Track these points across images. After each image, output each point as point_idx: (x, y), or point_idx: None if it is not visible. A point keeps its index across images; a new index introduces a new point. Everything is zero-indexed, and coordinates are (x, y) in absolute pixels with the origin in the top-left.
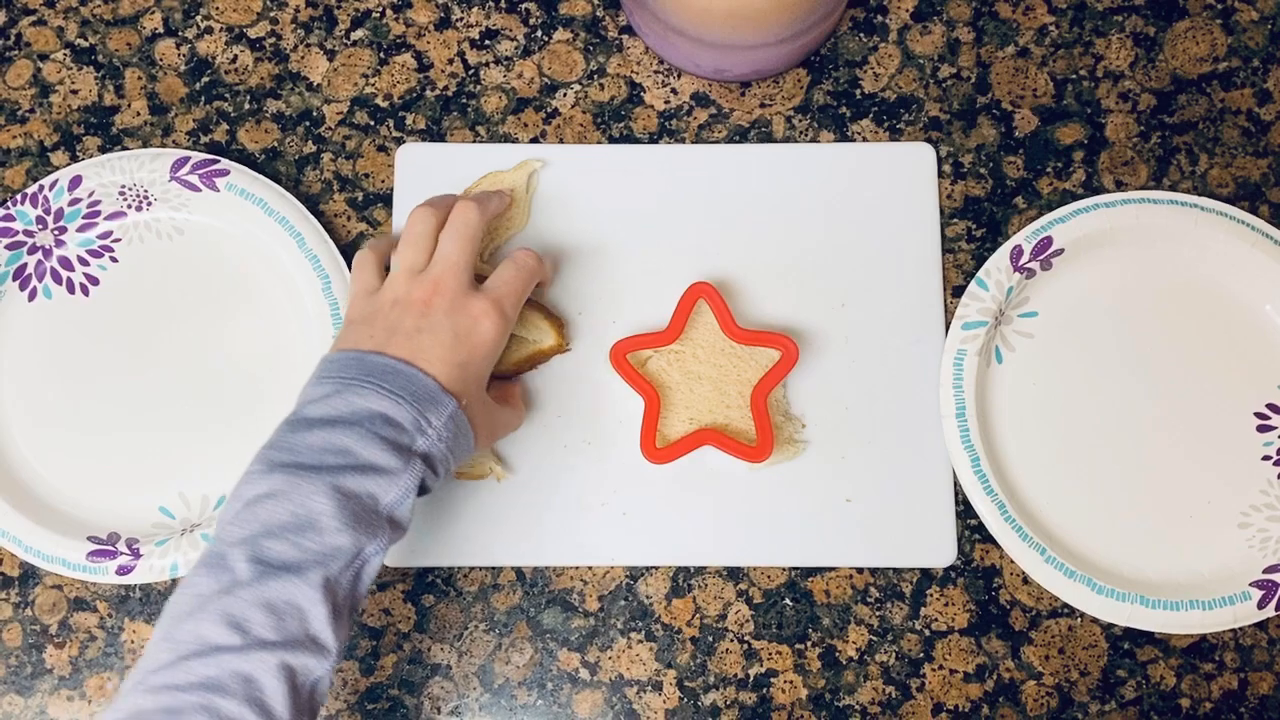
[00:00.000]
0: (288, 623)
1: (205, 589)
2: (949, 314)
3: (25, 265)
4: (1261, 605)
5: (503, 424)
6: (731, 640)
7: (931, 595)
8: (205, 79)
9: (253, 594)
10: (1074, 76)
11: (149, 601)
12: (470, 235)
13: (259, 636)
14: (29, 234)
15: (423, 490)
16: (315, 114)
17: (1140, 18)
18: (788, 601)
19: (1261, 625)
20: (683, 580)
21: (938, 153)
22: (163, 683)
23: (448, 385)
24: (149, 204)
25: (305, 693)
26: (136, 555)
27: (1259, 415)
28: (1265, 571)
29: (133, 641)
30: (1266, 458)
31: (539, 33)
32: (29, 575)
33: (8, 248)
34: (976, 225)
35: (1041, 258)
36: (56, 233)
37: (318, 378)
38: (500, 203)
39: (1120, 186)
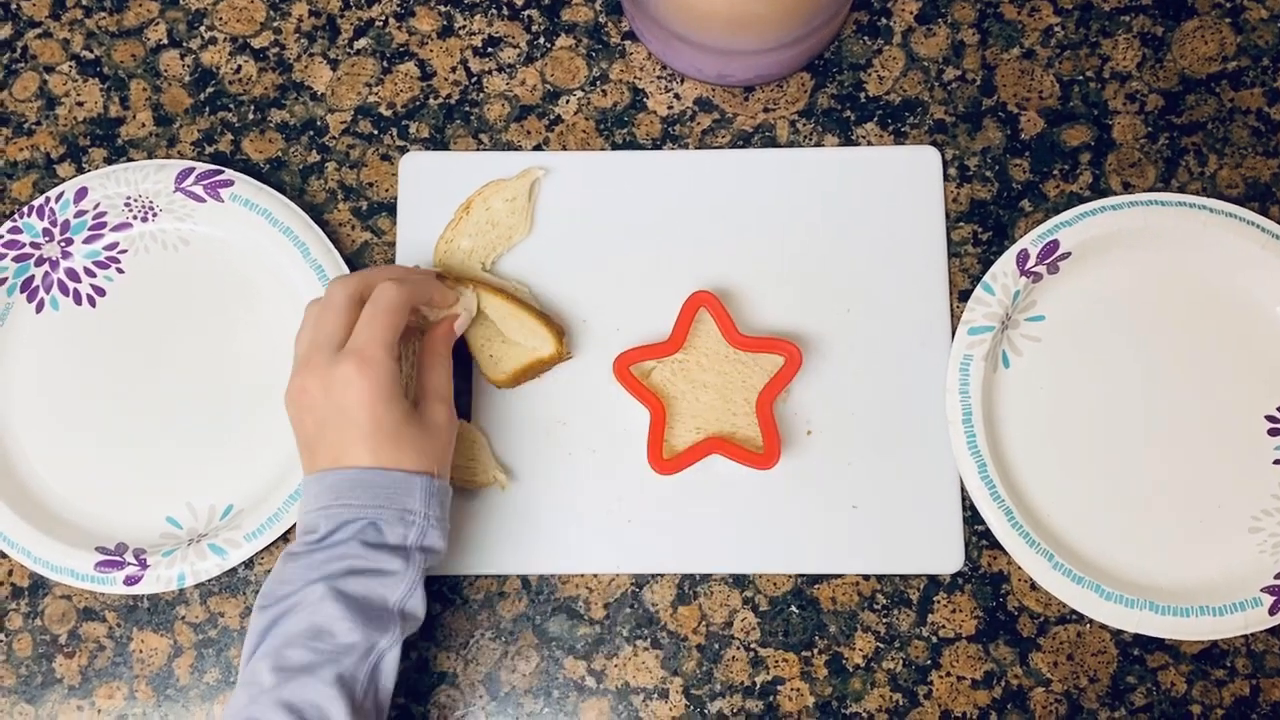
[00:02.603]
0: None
1: (238, 704)
2: (955, 318)
3: (33, 277)
4: (1273, 611)
5: (439, 426)
6: (738, 648)
7: (939, 602)
8: (209, 90)
9: (273, 697)
10: (1080, 78)
11: (157, 611)
12: (334, 306)
13: None
14: (36, 246)
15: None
16: (319, 123)
17: (1148, 17)
18: (794, 609)
19: (1274, 631)
20: (688, 588)
21: (943, 156)
22: None
23: (389, 464)
24: (154, 215)
25: None
26: (144, 566)
27: (1269, 418)
28: (1277, 577)
29: (141, 651)
30: (1278, 461)
31: (541, 40)
32: (38, 585)
33: (15, 260)
34: (982, 229)
35: (1048, 261)
36: (63, 244)
37: (305, 511)
38: (428, 285)
39: (1128, 188)
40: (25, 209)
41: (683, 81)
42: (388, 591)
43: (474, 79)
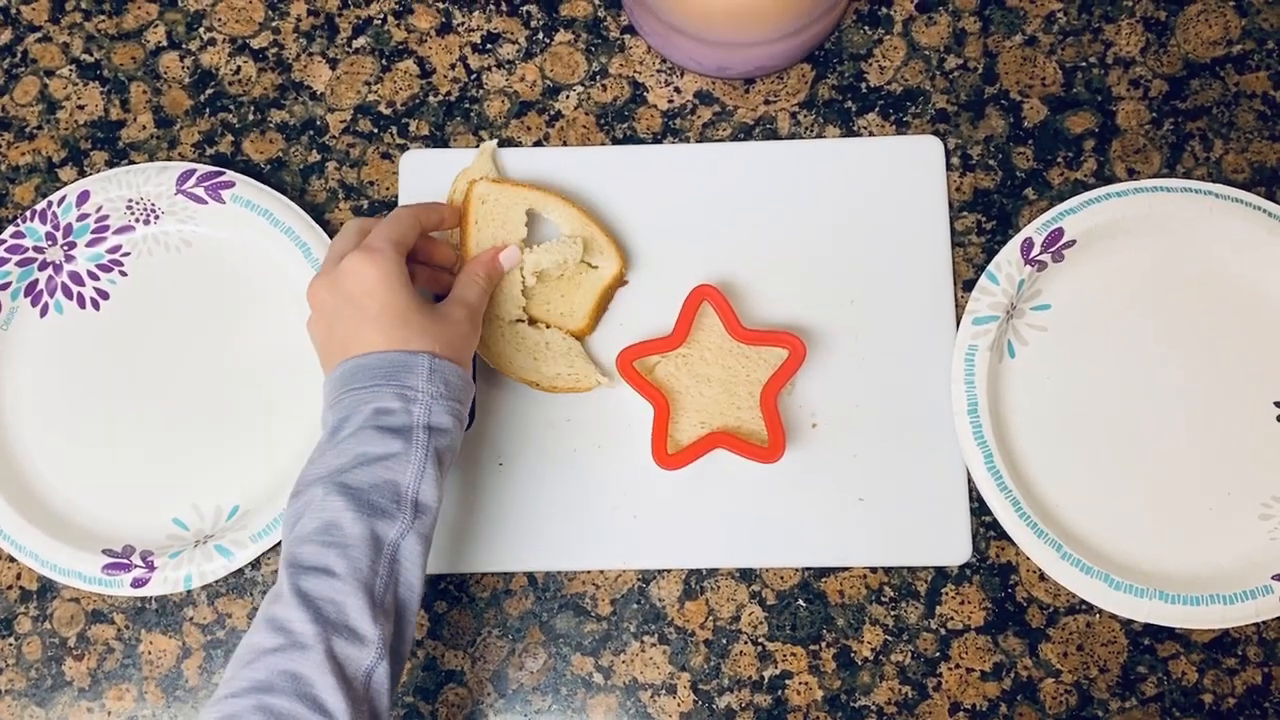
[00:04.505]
0: (325, 615)
1: (263, 606)
2: (960, 308)
3: (36, 281)
4: None
5: (458, 324)
6: (745, 642)
7: (947, 594)
8: (209, 91)
9: (291, 596)
10: (1083, 64)
11: (165, 613)
12: (361, 230)
13: (299, 634)
14: (39, 250)
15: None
16: (319, 123)
17: (1150, 1)
18: (801, 602)
19: None
20: (695, 582)
21: (946, 145)
22: (223, 694)
23: (396, 345)
24: (156, 217)
25: (359, 684)
26: (151, 568)
27: (1278, 404)
28: None
29: (150, 653)
30: None
31: (540, 35)
32: (47, 588)
33: (19, 264)
34: (986, 218)
35: (1053, 250)
36: (66, 248)
37: (322, 418)
38: (433, 214)
39: (1132, 175)
40: (28, 213)
41: (683, 75)
42: (396, 476)
43: (473, 76)
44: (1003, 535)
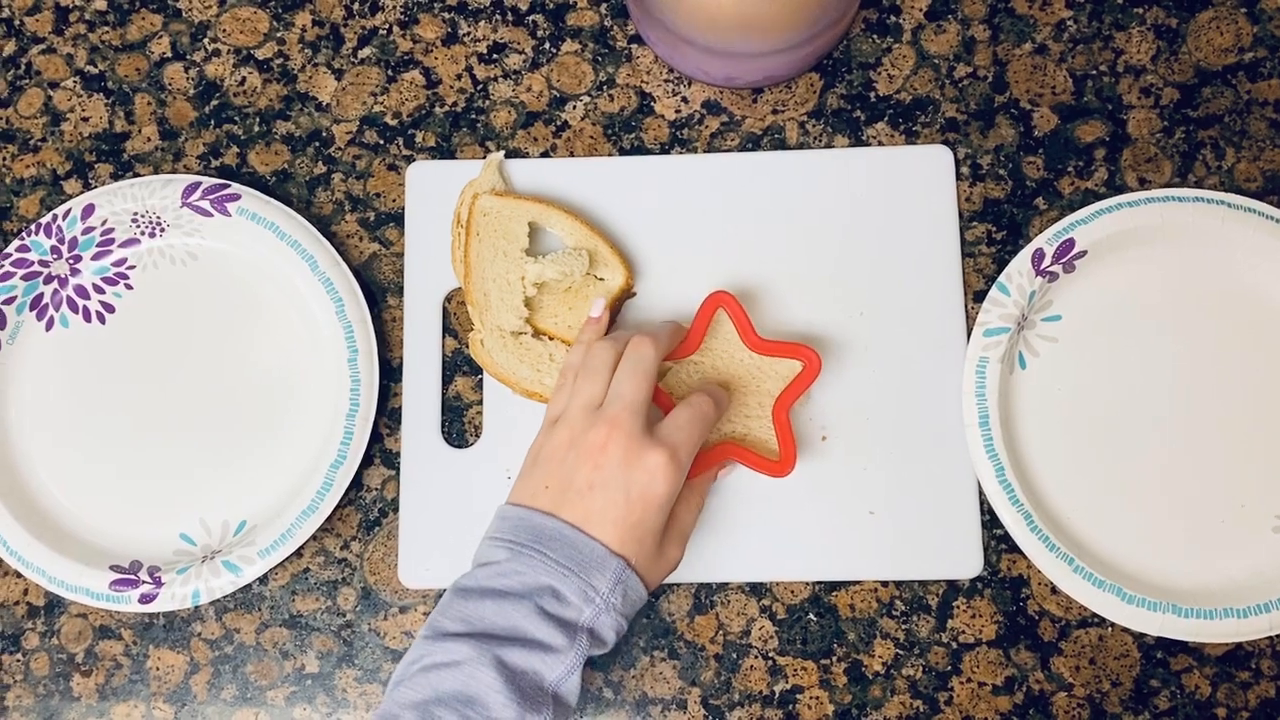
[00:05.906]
0: None
1: None
2: (970, 320)
3: (42, 295)
4: None
5: (671, 560)
6: (756, 657)
7: (958, 607)
8: (214, 102)
9: None
10: (1094, 72)
11: (173, 629)
12: (646, 372)
13: None
14: (44, 264)
15: (592, 662)
16: (325, 134)
17: (1161, 9)
18: (812, 616)
19: None
20: (705, 597)
21: (955, 155)
22: None
23: (617, 548)
24: (162, 230)
25: None
26: (159, 584)
27: None
28: None
29: (158, 669)
30: None
31: (547, 45)
32: (54, 604)
33: (24, 278)
34: (997, 228)
35: (1064, 260)
36: (71, 261)
37: (491, 537)
38: (677, 336)
39: (1144, 184)
40: (33, 227)
41: (690, 84)
42: (546, 669)
43: (480, 86)
44: (1014, 548)
